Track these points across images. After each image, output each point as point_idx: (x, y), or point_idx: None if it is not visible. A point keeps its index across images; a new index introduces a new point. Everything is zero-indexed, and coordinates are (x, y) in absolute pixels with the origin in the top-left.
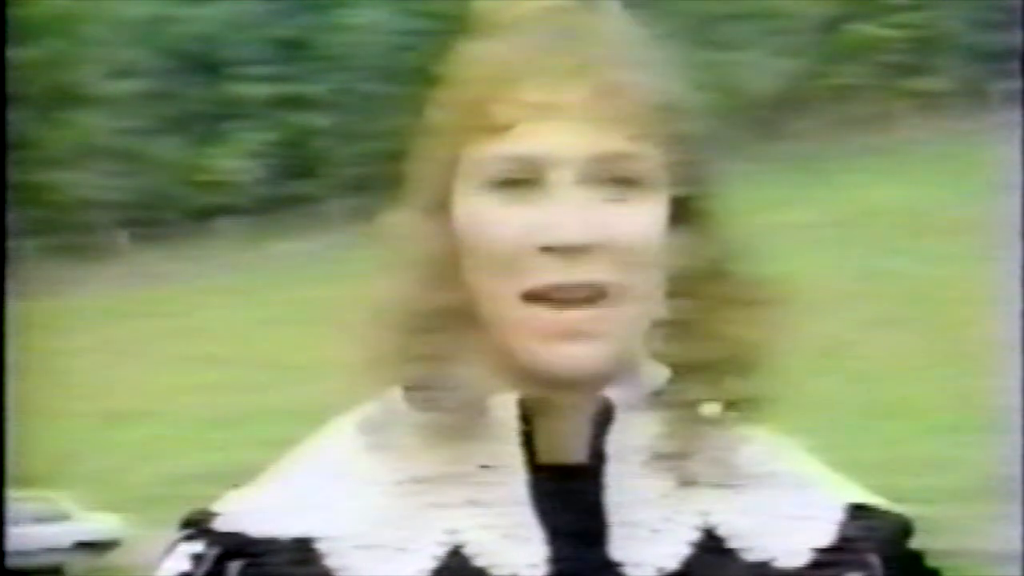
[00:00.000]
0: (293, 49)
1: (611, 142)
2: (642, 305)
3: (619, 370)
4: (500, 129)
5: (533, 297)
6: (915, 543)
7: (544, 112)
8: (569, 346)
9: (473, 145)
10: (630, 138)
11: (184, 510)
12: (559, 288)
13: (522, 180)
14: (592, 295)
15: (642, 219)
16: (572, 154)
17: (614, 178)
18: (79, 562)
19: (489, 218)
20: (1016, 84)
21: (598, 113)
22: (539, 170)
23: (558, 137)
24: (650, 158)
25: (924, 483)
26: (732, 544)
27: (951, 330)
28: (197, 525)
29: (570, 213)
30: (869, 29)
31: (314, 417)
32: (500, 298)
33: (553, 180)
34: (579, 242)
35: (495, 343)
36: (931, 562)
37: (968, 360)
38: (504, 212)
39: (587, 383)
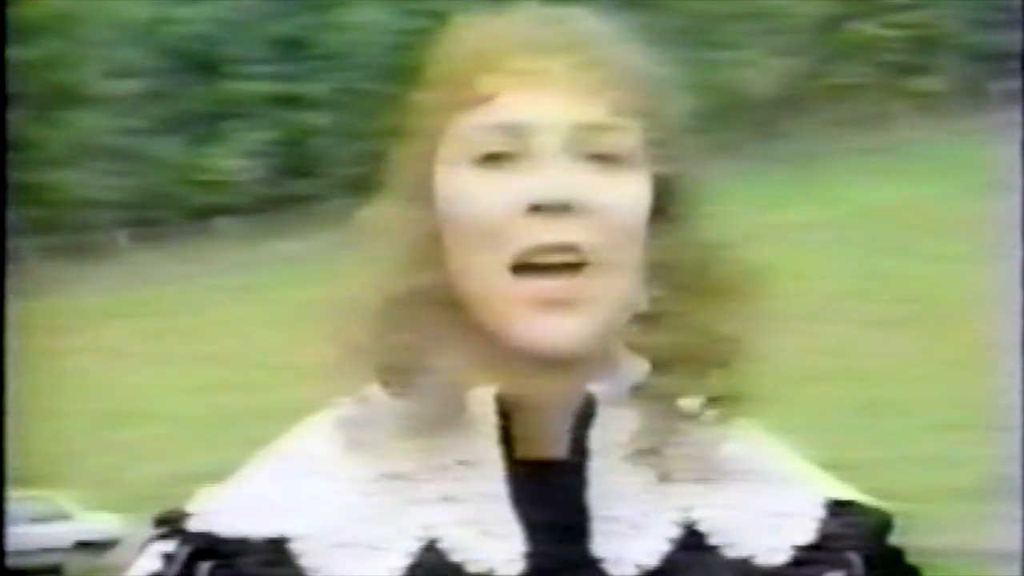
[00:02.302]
0: (292, 48)
1: (594, 112)
2: (623, 282)
3: (600, 364)
4: (484, 100)
5: (519, 267)
6: (896, 539)
7: (527, 81)
8: (552, 316)
9: (456, 120)
10: (613, 110)
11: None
12: (543, 249)
13: (506, 154)
14: (575, 262)
15: (625, 190)
16: (556, 121)
17: (597, 154)
18: (79, 562)
19: (475, 190)
20: (1016, 83)
21: (581, 84)
22: (524, 139)
23: (542, 105)
24: (632, 132)
25: (924, 482)
26: (713, 541)
27: (951, 330)
28: (169, 524)
29: (556, 174)
30: (868, 29)
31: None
32: (485, 271)
33: (538, 147)
34: (565, 199)
35: (476, 324)
36: (912, 559)
37: (968, 360)
38: (490, 183)
39: (567, 365)
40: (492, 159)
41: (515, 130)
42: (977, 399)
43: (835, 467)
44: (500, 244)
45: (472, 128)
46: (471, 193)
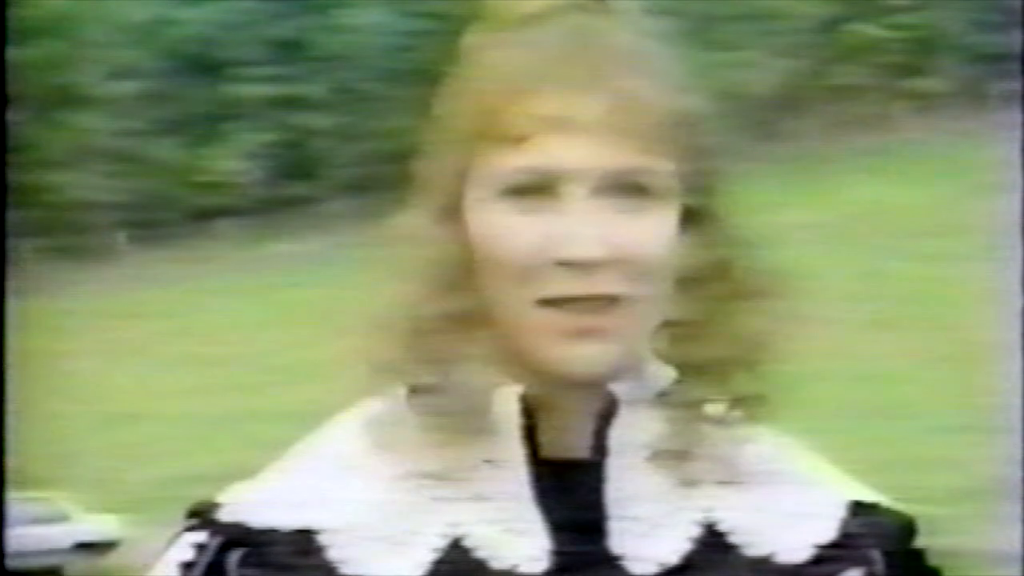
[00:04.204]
0: (292, 50)
1: (626, 157)
2: (652, 309)
3: (625, 368)
4: (514, 140)
5: (548, 303)
6: (917, 542)
7: (559, 125)
8: (581, 346)
9: (486, 154)
10: (644, 151)
11: (184, 511)
12: (574, 299)
13: (535, 188)
14: (605, 303)
15: (655, 230)
16: (587, 168)
17: (627, 187)
18: (78, 563)
19: (504, 228)
20: (1016, 84)
21: (613, 127)
22: (553, 182)
23: (573, 151)
24: (664, 170)
25: (924, 482)
26: (733, 540)
27: (951, 330)
28: (201, 515)
29: (585, 228)
30: (868, 29)
31: (314, 418)
32: (514, 304)
33: (567, 193)
34: (595, 258)
35: (505, 343)
36: (932, 560)
37: (968, 360)
38: (518, 223)
39: (595, 382)
40: (522, 191)
41: (545, 174)
42: (977, 400)
43: (835, 467)
44: (528, 285)
45: (501, 167)
46: (501, 232)
